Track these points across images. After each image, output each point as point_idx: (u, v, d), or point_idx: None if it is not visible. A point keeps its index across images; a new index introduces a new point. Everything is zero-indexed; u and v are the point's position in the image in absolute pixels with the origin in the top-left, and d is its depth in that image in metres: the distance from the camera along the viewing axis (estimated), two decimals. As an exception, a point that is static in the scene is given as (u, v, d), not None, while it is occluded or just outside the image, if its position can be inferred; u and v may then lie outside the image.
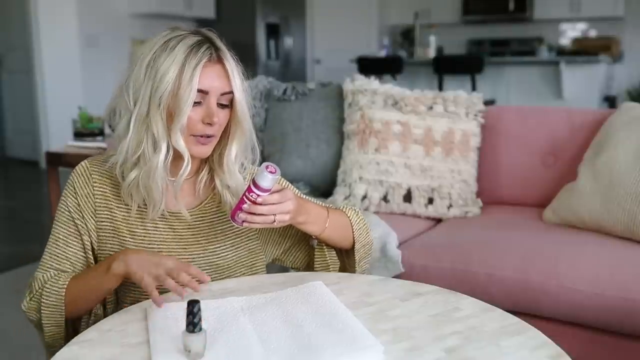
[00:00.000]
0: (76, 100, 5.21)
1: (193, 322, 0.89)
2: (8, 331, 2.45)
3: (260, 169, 1.07)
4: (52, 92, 5.91)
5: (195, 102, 1.10)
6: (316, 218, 1.20)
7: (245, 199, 1.09)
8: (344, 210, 1.30)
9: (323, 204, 1.28)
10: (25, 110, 6.14)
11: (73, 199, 1.20)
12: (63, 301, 1.12)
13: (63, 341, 1.15)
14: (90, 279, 1.13)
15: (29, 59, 5.92)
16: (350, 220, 1.28)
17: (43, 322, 1.14)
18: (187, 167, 1.13)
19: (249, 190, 1.09)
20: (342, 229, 1.27)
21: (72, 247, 1.20)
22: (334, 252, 1.33)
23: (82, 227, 1.20)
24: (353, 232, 1.28)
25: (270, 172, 1.07)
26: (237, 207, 1.11)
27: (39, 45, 5.84)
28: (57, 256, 1.19)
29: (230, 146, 1.19)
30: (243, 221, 1.11)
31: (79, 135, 3.00)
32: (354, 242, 1.29)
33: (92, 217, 1.20)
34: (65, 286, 1.13)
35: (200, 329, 0.90)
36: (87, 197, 1.20)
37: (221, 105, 1.14)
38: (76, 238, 1.20)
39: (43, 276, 1.17)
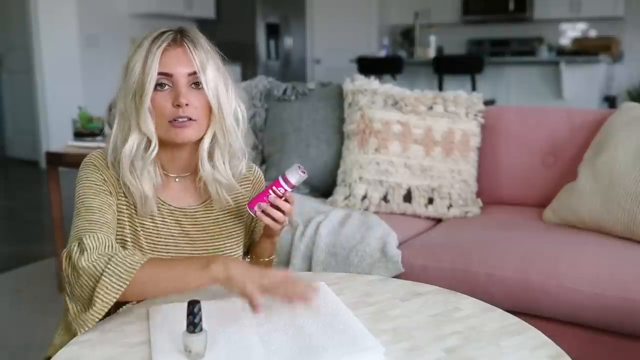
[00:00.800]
0: (76, 100, 5.21)
1: (193, 323, 0.89)
2: (8, 331, 2.45)
3: (293, 167, 1.16)
4: (52, 92, 5.92)
5: (164, 87, 1.13)
6: (275, 243, 1.33)
7: (271, 191, 1.16)
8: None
9: None
10: (25, 110, 6.15)
11: (98, 174, 1.17)
12: (132, 276, 1.01)
13: (99, 317, 1.03)
14: (179, 269, 1.07)
15: (29, 59, 5.92)
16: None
17: (97, 290, 1.01)
18: (154, 149, 1.15)
19: (277, 184, 1.16)
20: (269, 266, 1.35)
21: (108, 214, 1.14)
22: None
23: (111, 197, 1.17)
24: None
25: (302, 171, 1.16)
26: (260, 197, 1.18)
27: (39, 45, 5.84)
28: (96, 222, 1.11)
29: (206, 132, 1.18)
30: (262, 211, 1.17)
31: (79, 135, 2.99)
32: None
33: (115, 196, 1.18)
34: (141, 262, 1.04)
35: (201, 329, 0.90)
36: (110, 177, 1.18)
37: (196, 87, 1.15)
38: (109, 207, 1.15)
39: (104, 237, 1.08)
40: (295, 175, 1.16)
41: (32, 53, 5.88)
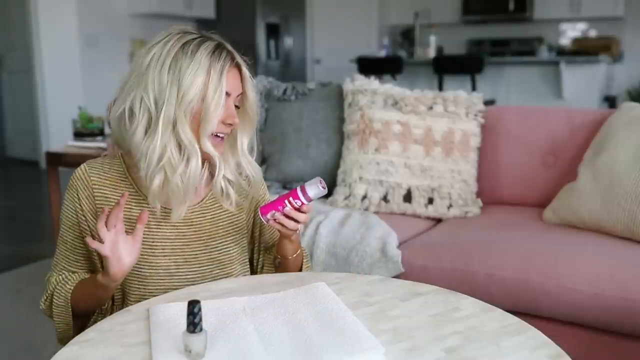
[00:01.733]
0: (76, 100, 5.21)
1: (193, 323, 0.89)
2: (8, 331, 2.45)
3: (314, 180, 1.14)
4: (52, 92, 5.91)
5: None
6: (297, 240, 1.29)
7: (287, 202, 1.15)
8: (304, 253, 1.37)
9: None
10: (25, 110, 6.14)
11: (76, 202, 1.22)
12: (69, 303, 1.20)
13: (72, 336, 1.20)
14: (88, 287, 1.20)
15: (29, 59, 5.92)
16: (302, 264, 1.35)
17: (55, 320, 1.23)
18: (219, 168, 1.19)
19: (294, 195, 1.15)
20: (298, 261, 1.34)
21: (80, 249, 1.24)
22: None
23: (86, 230, 1.22)
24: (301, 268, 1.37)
25: (323, 187, 1.14)
26: (274, 206, 1.17)
27: (39, 45, 5.84)
28: (68, 258, 1.25)
29: (241, 138, 1.23)
30: (274, 220, 1.17)
31: (79, 135, 3.00)
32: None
33: (94, 219, 1.21)
34: (70, 291, 1.20)
35: (201, 329, 0.90)
36: (87, 199, 1.21)
37: (235, 107, 1.19)
38: (81, 242, 1.23)
39: (56, 278, 1.24)
40: (315, 189, 1.14)
41: (32, 53, 5.88)
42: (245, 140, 1.24)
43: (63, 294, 1.20)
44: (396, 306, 1.08)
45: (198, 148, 1.14)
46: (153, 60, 1.12)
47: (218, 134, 1.17)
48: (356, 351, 0.90)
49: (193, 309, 0.89)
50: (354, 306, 1.06)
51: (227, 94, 1.16)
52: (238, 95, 1.19)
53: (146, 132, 1.13)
